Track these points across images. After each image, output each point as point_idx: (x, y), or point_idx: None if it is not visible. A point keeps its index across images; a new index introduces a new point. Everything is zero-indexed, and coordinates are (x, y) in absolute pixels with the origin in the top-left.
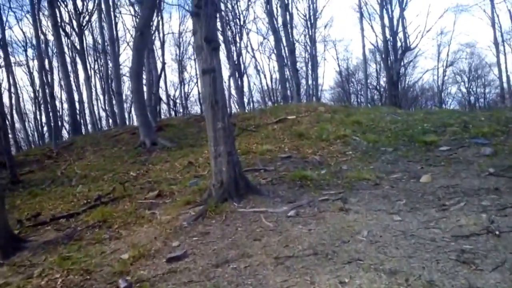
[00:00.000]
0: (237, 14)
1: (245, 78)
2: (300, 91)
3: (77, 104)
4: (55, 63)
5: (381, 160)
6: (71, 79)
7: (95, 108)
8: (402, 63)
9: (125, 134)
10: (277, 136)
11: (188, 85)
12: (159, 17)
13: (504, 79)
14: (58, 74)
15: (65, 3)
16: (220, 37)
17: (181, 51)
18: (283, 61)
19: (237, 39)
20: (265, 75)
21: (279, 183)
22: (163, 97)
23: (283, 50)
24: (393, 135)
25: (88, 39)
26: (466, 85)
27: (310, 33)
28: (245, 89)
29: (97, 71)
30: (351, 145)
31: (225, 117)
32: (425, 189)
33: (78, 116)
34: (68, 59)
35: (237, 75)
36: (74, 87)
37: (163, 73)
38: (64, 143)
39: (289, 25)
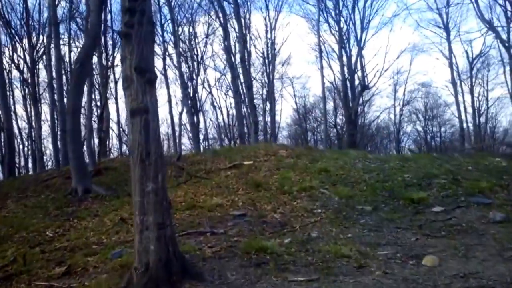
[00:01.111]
0: (195, 50)
1: (201, 115)
2: (258, 129)
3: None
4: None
5: (360, 225)
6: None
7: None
8: (360, 102)
9: (58, 178)
10: (230, 186)
11: None
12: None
13: (463, 118)
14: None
15: (19, 36)
16: (176, 72)
17: None
18: (240, 97)
19: (194, 75)
20: (221, 111)
21: (229, 257)
22: (116, 133)
23: (240, 87)
24: (369, 189)
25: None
26: (422, 124)
27: (268, 71)
28: (201, 125)
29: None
30: (319, 201)
31: (159, 175)
32: (435, 280)
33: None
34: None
35: (192, 111)
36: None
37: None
38: None
39: (247, 62)
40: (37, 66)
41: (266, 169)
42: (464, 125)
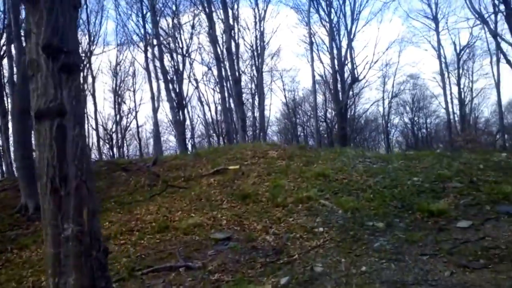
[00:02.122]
0: (179, 42)
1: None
2: (246, 127)
3: None
4: None
5: (375, 251)
6: None
7: None
8: (350, 94)
9: (10, 191)
10: (212, 198)
11: (127, 117)
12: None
13: (451, 109)
14: None
15: None
16: (156, 64)
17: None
18: (227, 92)
19: (178, 70)
20: (209, 107)
21: None
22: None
23: (226, 80)
24: (377, 197)
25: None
26: (410, 116)
27: (257, 64)
28: (189, 121)
29: None
30: (320, 216)
31: (83, 210)
32: None
33: None
34: None
35: (177, 107)
36: None
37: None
38: None
39: (234, 54)
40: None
41: (255, 174)
42: (451, 116)
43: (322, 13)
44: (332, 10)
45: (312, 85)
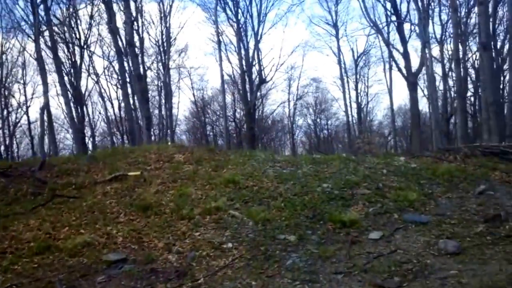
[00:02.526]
0: (77, 33)
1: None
2: (152, 126)
3: None
4: None
5: (288, 270)
6: None
7: None
8: (258, 95)
9: None
10: (107, 210)
11: (16, 113)
12: None
13: (349, 112)
14: None
15: None
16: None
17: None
18: (130, 88)
19: (77, 61)
20: (112, 103)
21: None
22: None
23: (130, 75)
24: (288, 206)
25: None
26: (313, 118)
27: (163, 60)
28: (89, 118)
29: None
30: (229, 229)
31: None
32: None
33: None
34: None
35: (73, 103)
36: None
37: None
38: None
39: (138, 48)
40: None
41: (158, 181)
42: (349, 118)
43: (229, 12)
44: (239, 10)
45: (221, 85)
